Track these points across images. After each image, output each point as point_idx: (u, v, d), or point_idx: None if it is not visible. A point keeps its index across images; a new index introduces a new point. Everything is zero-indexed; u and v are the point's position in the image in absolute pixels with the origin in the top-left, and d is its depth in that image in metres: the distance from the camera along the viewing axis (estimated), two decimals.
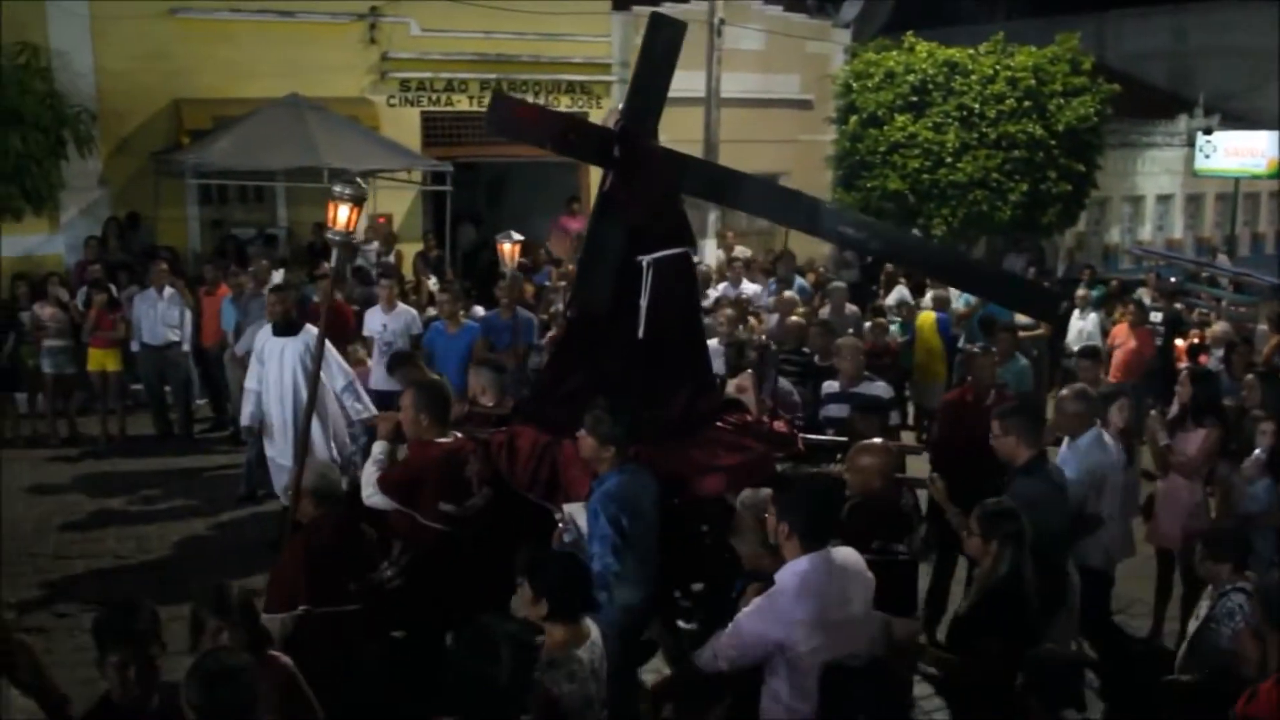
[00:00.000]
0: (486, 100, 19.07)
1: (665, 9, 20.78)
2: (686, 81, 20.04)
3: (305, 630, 5.41)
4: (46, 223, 16.23)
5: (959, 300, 14.00)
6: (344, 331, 11.17)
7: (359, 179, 7.82)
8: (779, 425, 7.10)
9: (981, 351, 9.01)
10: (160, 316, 12.28)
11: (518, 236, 10.68)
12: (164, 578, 8.90)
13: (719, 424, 6.86)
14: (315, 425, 8.53)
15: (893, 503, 5.97)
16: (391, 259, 16.40)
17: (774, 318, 12.77)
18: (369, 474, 6.44)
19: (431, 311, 12.45)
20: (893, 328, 13.49)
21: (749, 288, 14.24)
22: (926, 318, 13.69)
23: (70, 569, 9.32)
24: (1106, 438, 7.24)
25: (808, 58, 22.41)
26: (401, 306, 11.69)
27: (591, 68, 20.48)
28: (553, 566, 4.62)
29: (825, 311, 13.17)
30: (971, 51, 19.11)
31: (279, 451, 9.18)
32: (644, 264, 6.53)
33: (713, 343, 10.03)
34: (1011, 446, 6.34)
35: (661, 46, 7.02)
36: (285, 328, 9.34)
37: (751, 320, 12.88)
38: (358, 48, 18.44)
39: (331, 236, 6.85)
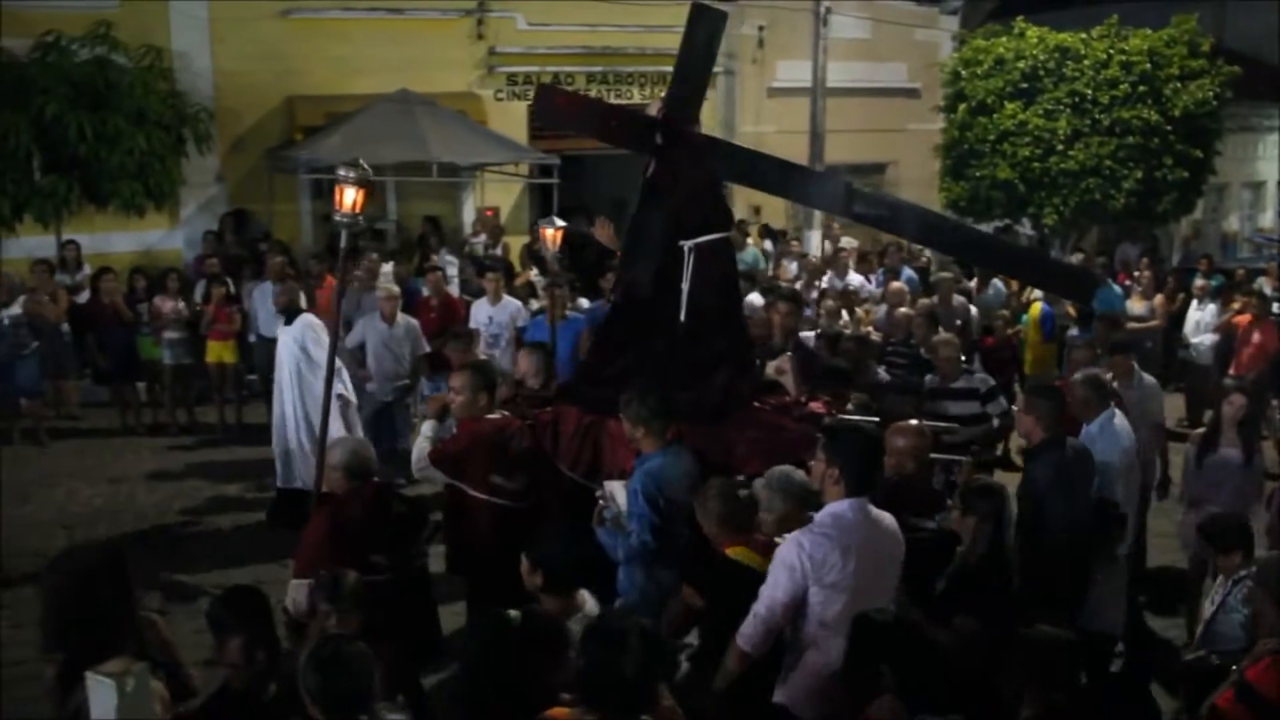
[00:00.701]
0: (593, 93, 19.53)
1: (767, 0, 20.78)
2: (793, 72, 20.40)
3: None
4: (167, 218, 16.81)
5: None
6: (453, 323, 11.37)
7: (363, 166, 7.84)
8: (816, 406, 7.20)
9: (1081, 344, 8.87)
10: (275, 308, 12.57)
11: (560, 222, 10.85)
12: (281, 563, 9.12)
13: (758, 405, 6.99)
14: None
15: (925, 482, 6.07)
16: (498, 251, 16.59)
17: (882, 309, 12.63)
18: (420, 449, 6.65)
19: (535, 304, 12.57)
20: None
21: (855, 279, 14.10)
22: (1035, 310, 13.46)
23: (188, 553, 9.61)
24: (1118, 422, 7.11)
25: (915, 45, 22.13)
26: (507, 299, 11.89)
27: None
28: (549, 541, 4.82)
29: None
30: (1084, 36, 18.64)
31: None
32: (685, 248, 6.75)
33: (810, 334, 10.02)
34: (1029, 426, 6.44)
35: (702, 36, 7.28)
36: (288, 318, 9.81)
37: (860, 312, 12.76)
38: (465, 43, 18.70)
39: (338, 219, 6.96)
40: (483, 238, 17.15)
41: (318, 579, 4.79)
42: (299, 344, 9.76)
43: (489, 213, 18.12)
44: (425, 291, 12.50)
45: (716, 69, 20.51)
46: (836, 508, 4.65)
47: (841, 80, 20.13)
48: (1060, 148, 18.13)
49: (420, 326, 11.22)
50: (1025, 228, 20.30)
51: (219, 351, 13.12)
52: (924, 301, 11.91)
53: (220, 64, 17.29)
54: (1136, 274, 16.18)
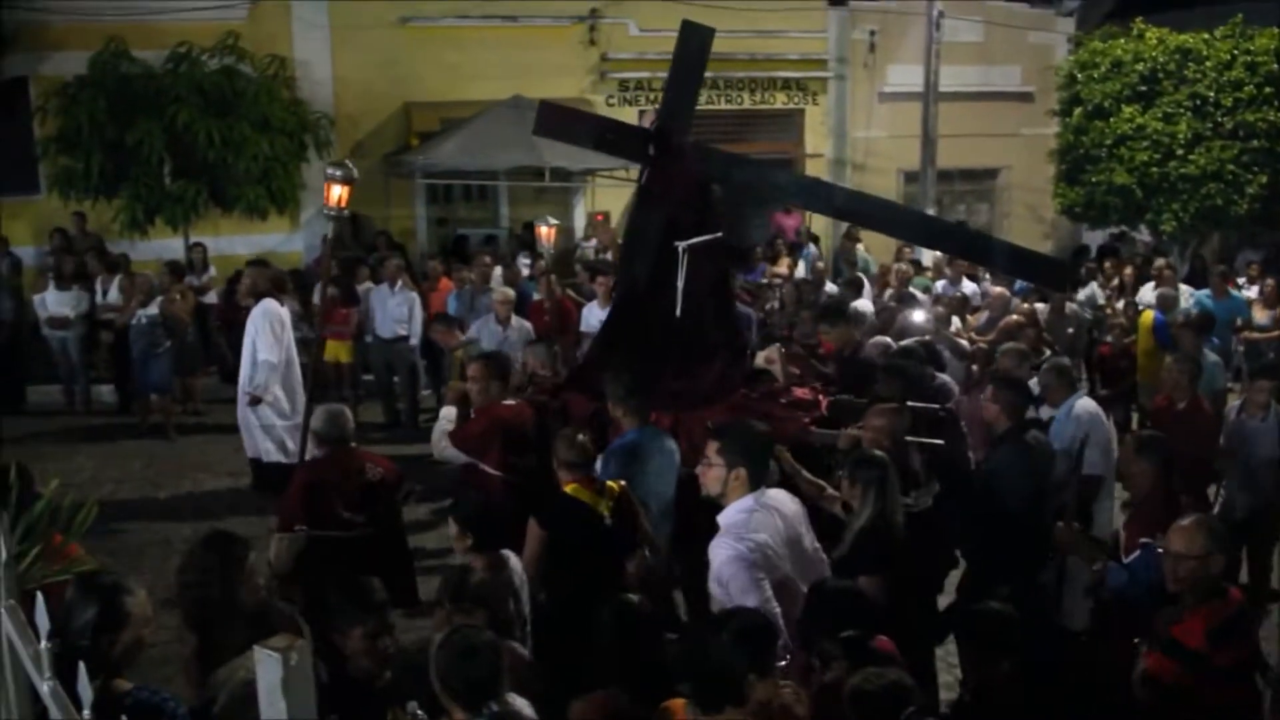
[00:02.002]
0: (704, 98, 19.32)
1: (883, 4, 20.69)
2: (904, 76, 20.26)
3: (310, 552, 5.95)
4: (287, 222, 17.32)
5: (1189, 301, 13.41)
6: (565, 325, 11.50)
7: (348, 165, 8.26)
8: (802, 392, 7.81)
9: (1173, 358, 8.66)
10: (391, 311, 12.90)
11: (554, 221, 11.14)
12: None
13: (747, 392, 7.57)
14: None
15: (901, 461, 6.31)
16: (609, 256, 16.75)
17: (984, 315, 12.48)
18: (439, 432, 7.37)
19: None
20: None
21: (969, 286, 13.94)
22: (1147, 317, 13.15)
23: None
24: (1080, 407, 7.51)
25: (1029, 49, 21.79)
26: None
27: (807, 64, 20.45)
28: (473, 507, 5.37)
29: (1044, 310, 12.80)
30: (1207, 36, 18.14)
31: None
32: (680, 249, 7.34)
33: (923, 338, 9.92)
34: (994, 414, 6.85)
35: (692, 51, 7.91)
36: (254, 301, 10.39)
37: (969, 318, 12.63)
38: (578, 49, 18.93)
39: (327, 213, 7.69)
40: (594, 242, 17.33)
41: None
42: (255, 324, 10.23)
43: (600, 217, 18.32)
44: (537, 295, 12.71)
45: (827, 74, 20.56)
46: (744, 504, 4.93)
47: (954, 84, 19.92)
48: (1180, 152, 17.68)
49: (533, 329, 11.41)
50: (1142, 234, 19.86)
51: (335, 351, 13.47)
52: (1029, 306, 11.74)
53: (340, 72, 17.79)
54: (1244, 281, 15.72)
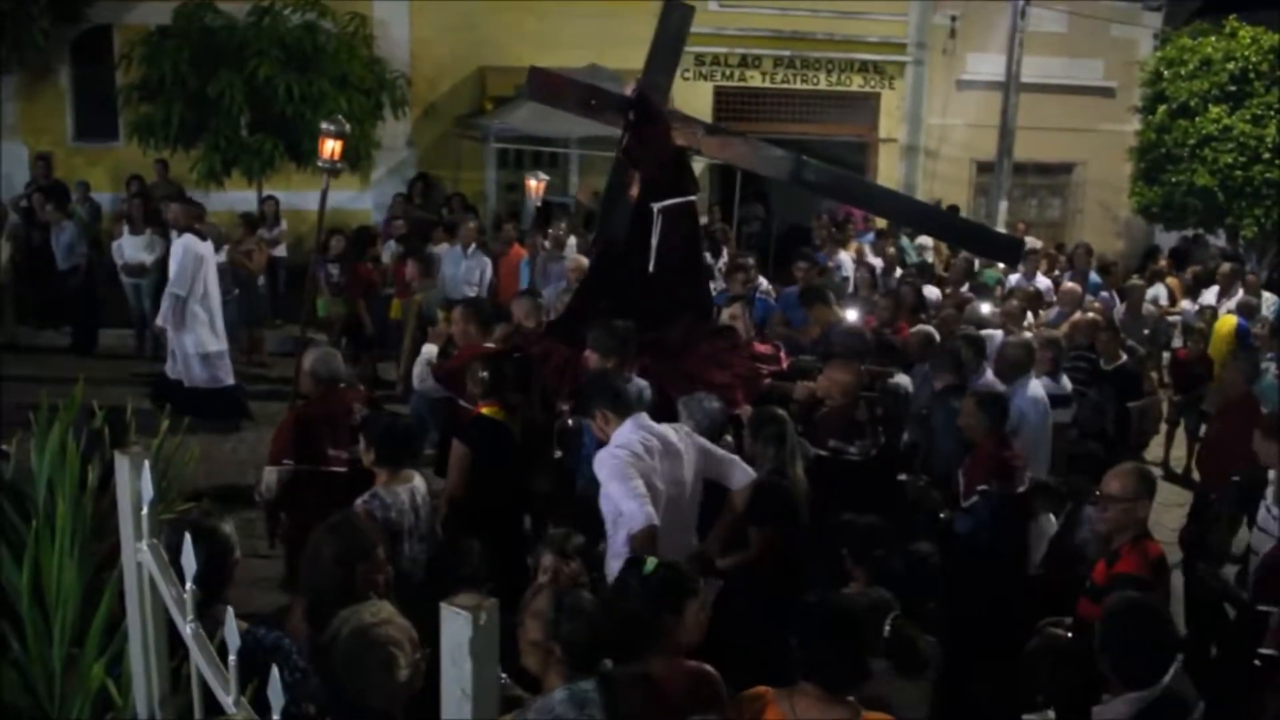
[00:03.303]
0: (779, 77, 19.47)
1: None
2: (984, 65, 19.96)
3: (298, 484, 6.42)
4: (359, 180, 17.36)
5: (1271, 308, 13.14)
6: None
7: (340, 120, 9.56)
8: (763, 348, 8.43)
9: (1235, 357, 8.81)
10: (463, 273, 12.89)
11: (543, 176, 11.43)
12: None
13: (712, 344, 8.10)
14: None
15: (849, 413, 6.96)
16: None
17: (1055, 311, 12.27)
18: (420, 364, 7.95)
19: (713, 286, 12.57)
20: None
21: (1043, 282, 13.72)
22: (1226, 322, 12.90)
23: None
24: (1031, 389, 7.90)
25: (1113, 42, 21.37)
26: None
27: (886, 47, 20.20)
28: (379, 423, 5.75)
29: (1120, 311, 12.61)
30: None
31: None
32: (654, 210, 7.88)
33: (997, 333, 9.76)
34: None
35: (673, 27, 8.65)
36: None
37: (1041, 313, 12.43)
38: (655, 21, 18.71)
39: (321, 165, 8.95)
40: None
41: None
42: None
43: None
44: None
45: (906, 58, 20.32)
46: (625, 428, 5.52)
47: (1033, 75, 19.60)
48: (1267, 156, 17.29)
49: None
50: (1218, 238, 19.49)
51: (402, 310, 13.47)
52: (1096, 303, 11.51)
53: (418, 33, 17.80)
54: None
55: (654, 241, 7.91)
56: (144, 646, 2.65)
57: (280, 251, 15.46)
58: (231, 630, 2.29)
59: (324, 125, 9.34)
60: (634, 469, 5.30)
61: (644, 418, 5.63)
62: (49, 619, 3.28)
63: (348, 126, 9.64)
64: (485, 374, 6.47)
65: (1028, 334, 10.77)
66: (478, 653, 1.70)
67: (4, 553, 3.34)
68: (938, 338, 9.15)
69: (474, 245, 13.00)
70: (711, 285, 12.63)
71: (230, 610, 2.31)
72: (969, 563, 6.08)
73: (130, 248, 14.03)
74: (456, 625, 1.72)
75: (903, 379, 8.14)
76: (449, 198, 17.03)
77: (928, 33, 20.45)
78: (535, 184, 12.58)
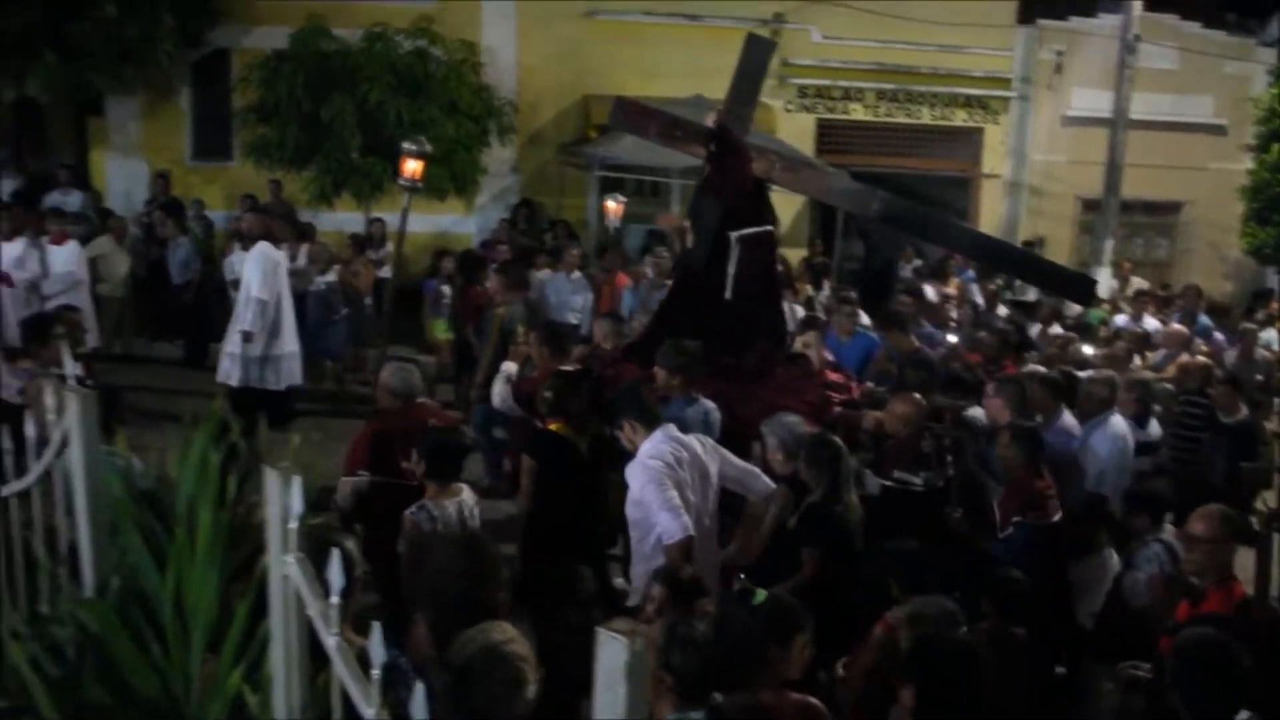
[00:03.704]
0: (882, 110, 19.43)
1: (1073, 24, 20.16)
2: (1090, 100, 19.70)
3: (373, 496, 6.43)
4: (462, 204, 17.68)
5: None
6: None
7: (422, 140, 10.35)
8: (836, 376, 8.72)
9: None
10: (566, 300, 13.04)
11: (621, 199, 12.99)
12: None
13: (786, 371, 8.32)
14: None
15: (914, 445, 6.99)
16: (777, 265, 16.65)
17: (1161, 353, 12.05)
18: (501, 385, 8.21)
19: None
20: None
21: (1151, 323, 13.49)
22: None
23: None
24: (1111, 426, 7.79)
25: (1224, 78, 20.96)
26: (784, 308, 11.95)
27: (990, 82, 20.05)
28: (431, 439, 5.90)
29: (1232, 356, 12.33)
30: None
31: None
32: (732, 238, 8.15)
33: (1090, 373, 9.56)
34: (998, 408, 7.44)
35: (754, 61, 8.79)
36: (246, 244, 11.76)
37: (1148, 355, 12.21)
38: None
39: (402, 183, 9.67)
40: None
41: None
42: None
43: None
44: None
45: (1010, 93, 20.16)
46: (655, 438, 5.76)
47: (1142, 111, 19.29)
48: None
49: None
50: None
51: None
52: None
53: (525, 60, 18.12)
54: None
55: (731, 269, 8.18)
56: (286, 656, 2.74)
57: (386, 272, 15.76)
58: (377, 644, 2.37)
59: (405, 145, 9.83)
60: (669, 479, 5.51)
61: (672, 428, 5.84)
62: (187, 626, 3.39)
63: (429, 147, 10.16)
64: (549, 393, 6.65)
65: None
66: (632, 678, 1.75)
67: (147, 559, 3.47)
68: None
69: (577, 272, 13.15)
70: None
71: (377, 625, 2.38)
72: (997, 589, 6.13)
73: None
74: (612, 650, 1.77)
75: (977, 412, 8.06)
76: (552, 224, 17.24)
77: (1033, 67, 20.26)
78: (614, 206, 12.75)
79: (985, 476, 7.26)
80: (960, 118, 20.10)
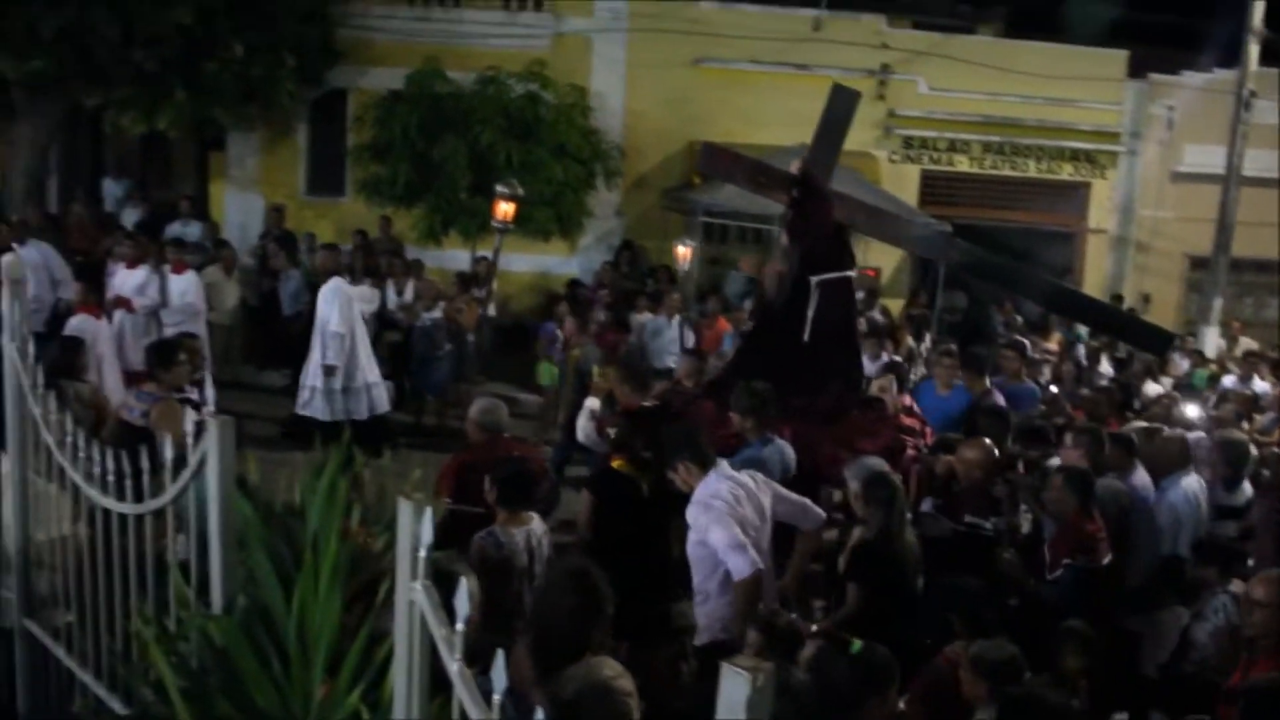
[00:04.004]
0: (988, 162, 19.31)
1: (1185, 79, 19.87)
2: (1202, 156, 19.36)
3: (456, 524, 6.26)
4: (566, 246, 17.95)
5: None
6: None
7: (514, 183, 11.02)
8: (910, 421, 8.77)
9: None
10: (667, 345, 13.17)
11: (691, 242, 13.05)
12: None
13: (861, 414, 8.48)
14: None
15: (987, 489, 7.09)
16: (876, 313, 16.62)
17: (1269, 416, 11.77)
18: (585, 420, 8.54)
19: (914, 371, 12.51)
20: None
21: (1260, 385, 13.19)
22: None
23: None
24: (1184, 485, 7.67)
25: None
26: (885, 359, 11.93)
27: (1099, 136, 19.82)
28: (505, 468, 6.03)
29: None
30: None
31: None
32: (812, 283, 8.43)
33: (1195, 435, 9.36)
34: (1075, 459, 7.30)
35: (839, 110, 9.16)
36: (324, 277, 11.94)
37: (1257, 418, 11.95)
38: (866, 103, 18.67)
39: (495, 224, 10.28)
40: (858, 295, 17.21)
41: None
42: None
43: (870, 273, 18.20)
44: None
45: (1119, 148, 19.91)
46: (709, 479, 5.83)
47: (1254, 168, 18.90)
48: None
49: None
50: None
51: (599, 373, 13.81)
52: None
53: (632, 105, 18.38)
54: None
55: (810, 313, 8.43)
56: (408, 678, 2.87)
57: (490, 310, 16.06)
58: (499, 671, 2.48)
59: (499, 188, 10.10)
60: (732, 518, 5.61)
61: (725, 467, 5.95)
62: (308, 646, 3.54)
63: (521, 190, 10.48)
64: (615, 430, 6.87)
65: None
66: (752, 712, 1.83)
67: (273, 580, 3.63)
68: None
69: (678, 316, 13.28)
70: (912, 373, 12.66)
71: (501, 653, 2.49)
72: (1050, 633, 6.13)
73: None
74: (735, 685, 1.85)
75: (1055, 463, 7.94)
76: (654, 269, 17.42)
77: (1143, 122, 20.00)
78: (683, 251, 12.96)
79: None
80: (1067, 171, 19.90)
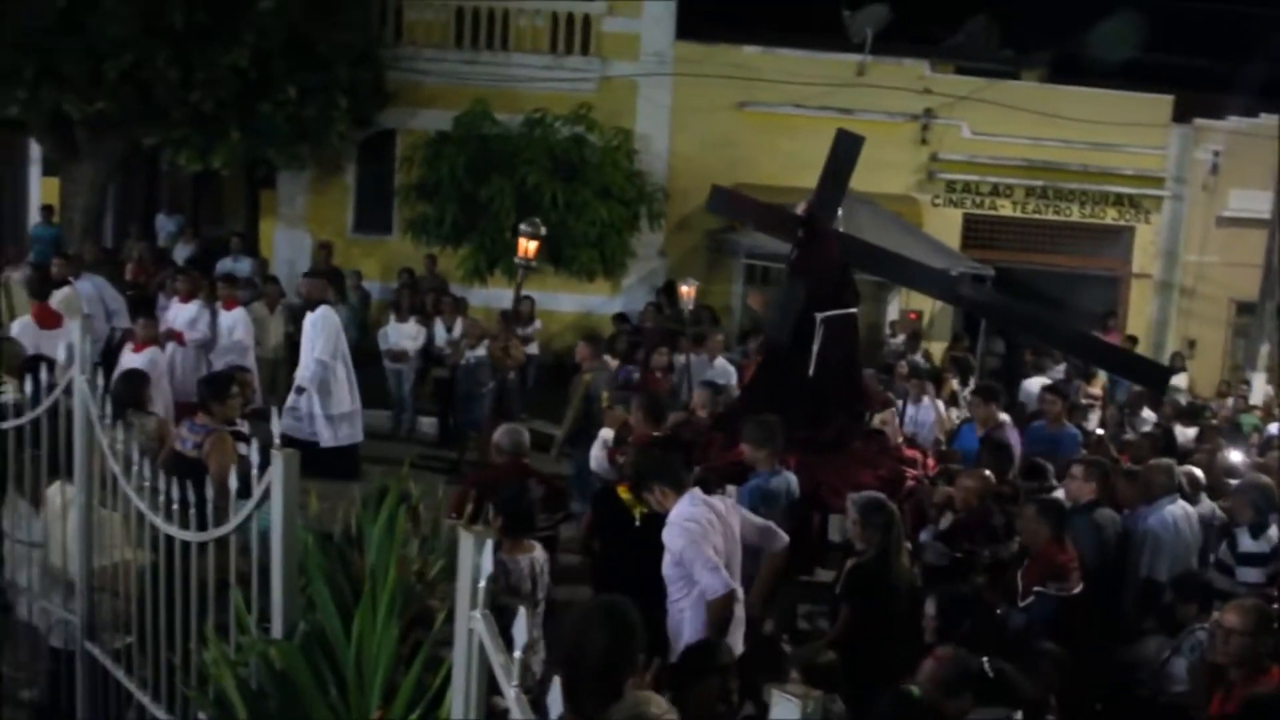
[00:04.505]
0: (1031, 207, 19.34)
1: (1231, 124, 19.84)
2: (1250, 201, 19.28)
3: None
4: (609, 286, 18.13)
5: None
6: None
7: (536, 222, 11.36)
8: (911, 452, 9.20)
9: None
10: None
11: (694, 281, 13.90)
12: None
13: (863, 446, 8.86)
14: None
15: (985, 518, 7.46)
16: (919, 357, 16.65)
17: None
18: (598, 450, 8.84)
19: (957, 413, 12.54)
20: None
21: None
22: None
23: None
24: (1167, 511, 7.76)
25: None
26: (926, 402, 11.98)
27: (1143, 180, 19.80)
28: (507, 494, 6.32)
29: None
30: None
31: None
32: (817, 319, 8.80)
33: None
34: (1086, 492, 7.58)
35: (843, 155, 9.51)
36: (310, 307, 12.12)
37: None
38: (909, 147, 19.04)
39: (517, 263, 10.88)
40: (900, 339, 17.28)
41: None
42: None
43: (913, 316, 18.25)
44: None
45: (1164, 192, 19.87)
46: (683, 502, 6.01)
47: None
48: None
49: None
50: None
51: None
52: None
53: (676, 148, 18.59)
54: None
55: (815, 348, 8.82)
56: (465, 705, 2.97)
57: (533, 349, 16.24)
58: (556, 698, 2.59)
59: (522, 227, 10.59)
60: (706, 540, 5.86)
61: (698, 492, 6.17)
62: (364, 673, 3.66)
63: (543, 229, 11.19)
64: (631, 460, 7.16)
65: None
66: None
67: (331, 608, 3.75)
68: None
69: (720, 357, 13.39)
70: (954, 412, 12.69)
71: (557, 679, 2.59)
72: (1021, 658, 6.24)
73: (395, 334, 15.00)
74: (785, 710, 1.95)
75: (1059, 494, 8.16)
76: (696, 309, 17.55)
77: (1188, 167, 19.96)
78: (686, 289, 14.59)
79: None
80: (1111, 216, 19.88)
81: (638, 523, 6.75)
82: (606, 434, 8.93)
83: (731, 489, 7.50)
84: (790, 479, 7.63)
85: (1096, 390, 15.17)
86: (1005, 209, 19.44)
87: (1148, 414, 13.73)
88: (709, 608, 5.77)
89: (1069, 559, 6.86)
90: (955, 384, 14.32)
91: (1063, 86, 19.44)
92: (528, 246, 10.98)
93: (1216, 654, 5.45)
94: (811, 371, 8.85)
